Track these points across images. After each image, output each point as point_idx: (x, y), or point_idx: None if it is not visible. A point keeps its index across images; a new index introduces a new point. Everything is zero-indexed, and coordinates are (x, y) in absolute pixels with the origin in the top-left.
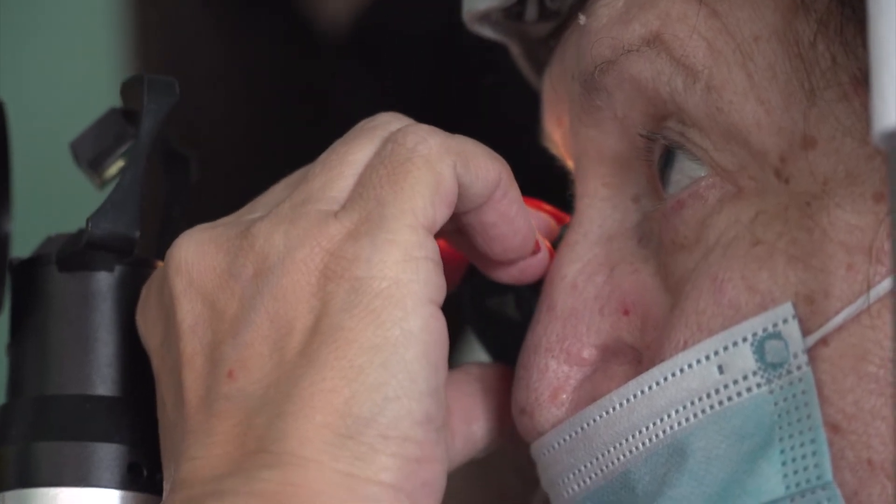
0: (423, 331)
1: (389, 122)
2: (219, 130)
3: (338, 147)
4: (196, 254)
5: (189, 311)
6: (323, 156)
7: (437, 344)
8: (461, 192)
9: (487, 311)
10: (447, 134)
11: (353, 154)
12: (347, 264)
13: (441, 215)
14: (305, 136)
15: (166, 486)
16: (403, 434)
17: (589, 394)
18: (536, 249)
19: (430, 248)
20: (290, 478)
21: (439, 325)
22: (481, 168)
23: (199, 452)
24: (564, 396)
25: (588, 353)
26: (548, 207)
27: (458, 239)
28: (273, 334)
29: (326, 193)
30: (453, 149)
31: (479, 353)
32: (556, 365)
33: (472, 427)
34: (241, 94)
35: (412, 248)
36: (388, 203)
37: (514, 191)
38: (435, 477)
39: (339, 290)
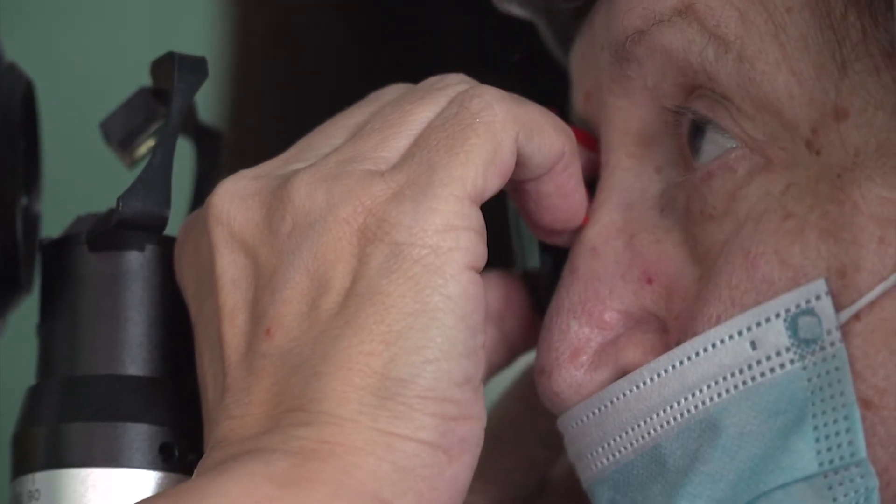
0: (462, 297)
1: (458, 84)
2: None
3: (403, 104)
4: (238, 206)
5: (231, 264)
6: (387, 108)
7: (476, 309)
8: (521, 162)
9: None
10: (517, 100)
11: (416, 114)
12: (388, 228)
13: (492, 186)
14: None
15: (206, 444)
16: (442, 395)
17: (612, 358)
18: (584, 223)
19: (474, 219)
20: (328, 435)
21: (478, 290)
22: (546, 140)
23: (237, 411)
24: (584, 358)
25: (609, 316)
26: (594, 143)
27: (512, 193)
28: (312, 292)
29: (377, 153)
30: (520, 118)
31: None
32: (577, 326)
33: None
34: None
35: (454, 218)
36: (439, 168)
37: (576, 165)
38: (472, 433)
39: (377, 252)
